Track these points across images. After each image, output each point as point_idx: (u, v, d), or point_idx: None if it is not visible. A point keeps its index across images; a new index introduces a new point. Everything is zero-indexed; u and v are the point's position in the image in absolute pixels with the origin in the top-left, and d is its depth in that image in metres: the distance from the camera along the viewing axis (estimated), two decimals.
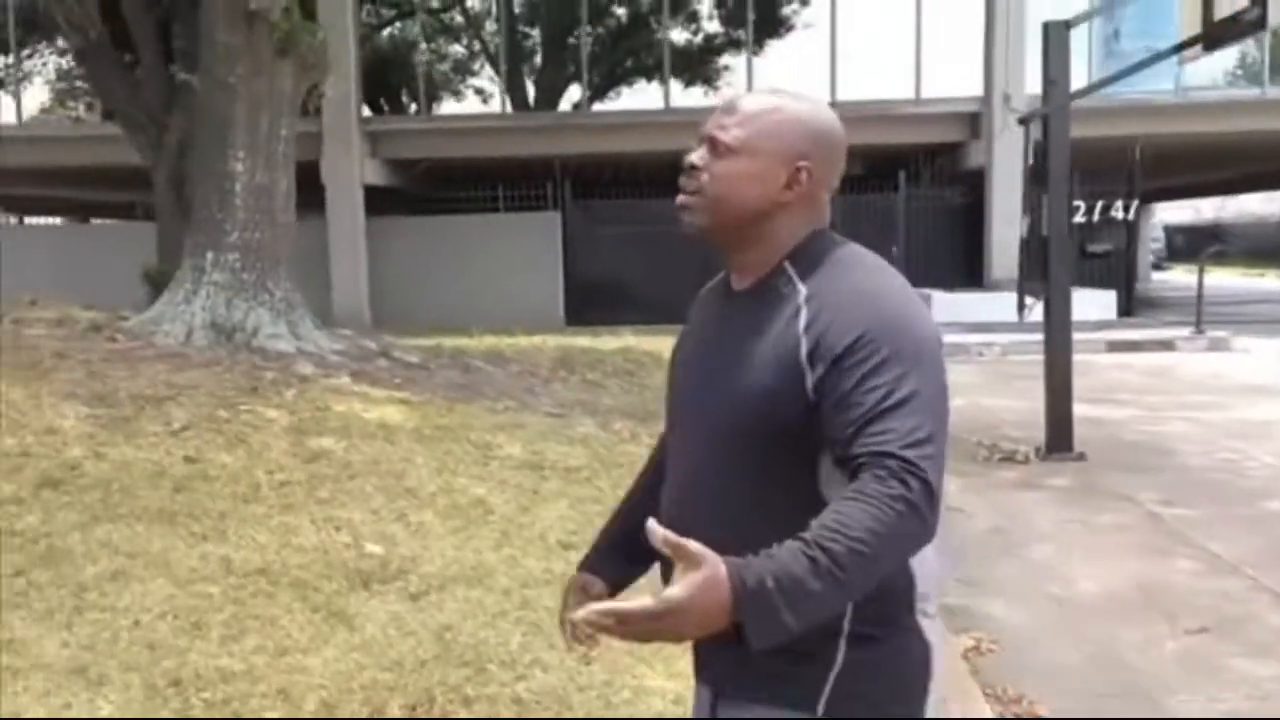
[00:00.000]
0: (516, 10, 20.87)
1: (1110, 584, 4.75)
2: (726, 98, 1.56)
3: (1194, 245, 39.55)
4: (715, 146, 1.48)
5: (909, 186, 16.76)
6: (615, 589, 1.70)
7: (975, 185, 16.23)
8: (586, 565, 1.74)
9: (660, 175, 17.05)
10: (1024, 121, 7.40)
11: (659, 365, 10.16)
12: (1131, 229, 17.53)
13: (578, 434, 6.19)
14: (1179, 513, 5.85)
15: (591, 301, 16.86)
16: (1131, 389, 10.27)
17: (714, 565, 1.19)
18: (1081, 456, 7.23)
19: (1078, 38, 16.17)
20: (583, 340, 12.88)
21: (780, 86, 1.57)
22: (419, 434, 5.64)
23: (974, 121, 16.16)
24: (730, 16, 19.52)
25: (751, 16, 17.74)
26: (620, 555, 1.70)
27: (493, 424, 6.09)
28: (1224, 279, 25.88)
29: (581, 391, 8.17)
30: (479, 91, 22.04)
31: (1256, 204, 44.15)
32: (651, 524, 1.22)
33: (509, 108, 19.45)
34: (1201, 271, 13.80)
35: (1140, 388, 10.43)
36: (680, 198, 1.50)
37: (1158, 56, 7.26)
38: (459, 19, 22.87)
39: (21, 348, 6.69)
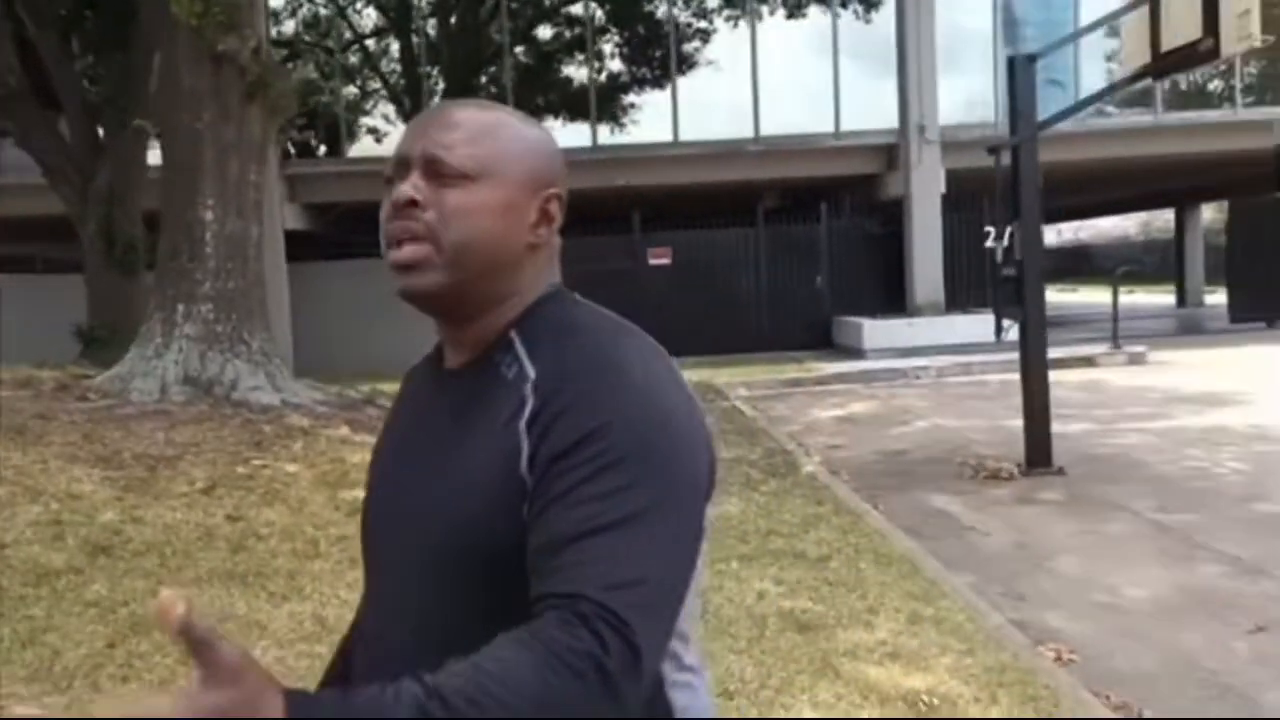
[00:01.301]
0: (418, 51, 20.79)
1: (1153, 590, 4.95)
2: (431, 110, 1.16)
3: (1060, 266, 41.36)
4: (438, 172, 1.07)
5: (830, 218, 17.18)
6: None
7: (894, 214, 16.73)
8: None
9: (592, 212, 17.16)
10: (993, 151, 7.70)
11: None
12: None
13: None
14: (1180, 519, 6.13)
15: None
16: (1074, 404, 10.70)
17: (254, 690, 0.78)
18: (1061, 471, 7.51)
19: (985, 70, 16.80)
20: None
21: (534, 118, 1.17)
22: None
23: (891, 153, 16.69)
24: (634, 56, 19.80)
25: (659, 54, 18.07)
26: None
27: None
28: (1091, 296, 27.10)
29: None
30: (372, 131, 21.83)
31: (1108, 225, 46.80)
32: (168, 600, 0.77)
33: None
34: (1116, 290, 14.48)
35: (1081, 403, 10.87)
36: (401, 253, 1.07)
37: (1115, 86, 7.67)
38: (353, 60, 22.66)
39: None
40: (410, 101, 21.40)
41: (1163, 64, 7.52)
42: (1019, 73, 7.30)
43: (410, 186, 1.07)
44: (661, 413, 1.01)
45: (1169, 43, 7.42)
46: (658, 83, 18.35)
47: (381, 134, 21.92)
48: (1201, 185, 23.36)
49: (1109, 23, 7.75)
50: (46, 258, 17.56)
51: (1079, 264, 44.46)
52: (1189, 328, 19.29)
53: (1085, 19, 16.62)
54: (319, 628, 3.70)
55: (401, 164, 1.10)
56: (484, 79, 21.33)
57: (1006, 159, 7.51)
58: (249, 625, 3.66)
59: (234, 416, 6.77)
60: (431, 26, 21.85)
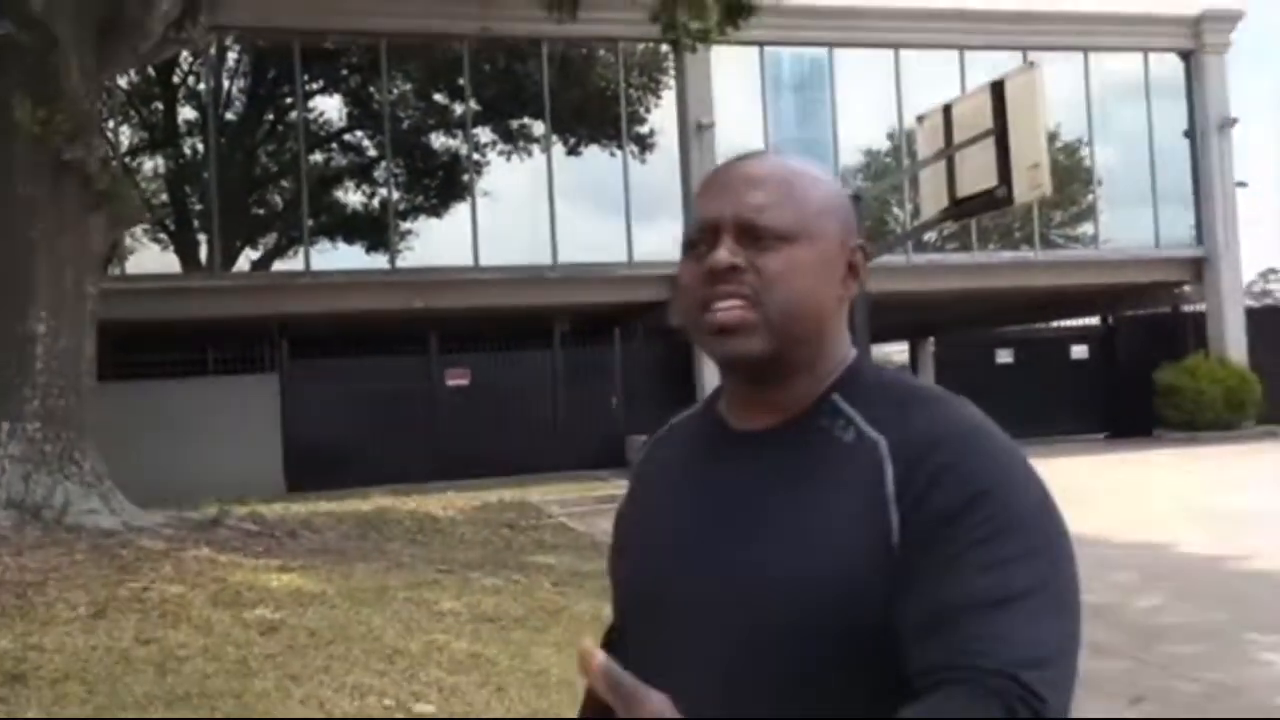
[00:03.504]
0: (183, 170, 20.01)
1: None
2: (728, 168, 1.13)
3: None
4: (753, 235, 1.06)
5: (623, 341, 17.84)
6: None
7: (684, 339, 17.58)
8: None
9: (380, 332, 17.01)
10: None
11: (456, 523, 10.12)
12: None
13: (487, 586, 6.18)
14: None
15: (314, 466, 16.19)
16: None
17: None
18: None
19: None
20: (331, 504, 12.43)
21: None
22: (353, 597, 5.42)
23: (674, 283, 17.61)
24: (424, 183, 19.94)
25: (450, 181, 18.44)
26: None
27: (408, 582, 5.95)
28: None
29: (423, 549, 8.01)
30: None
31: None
32: (588, 648, 0.82)
33: (180, 268, 18.46)
34: None
35: None
36: (725, 315, 1.06)
37: (920, 228, 8.64)
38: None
39: None
40: (175, 222, 20.54)
41: (960, 209, 8.59)
42: None
43: (728, 251, 1.05)
44: (1035, 479, 1.01)
45: (964, 190, 8.50)
46: (416, 211, 18.59)
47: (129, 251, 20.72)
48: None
49: (921, 169, 8.78)
50: None
51: None
52: None
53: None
54: None
55: (709, 228, 1.07)
56: (253, 201, 20.80)
57: None
58: None
59: (77, 541, 6.29)
60: (193, 146, 20.86)
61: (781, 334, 1.05)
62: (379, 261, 17.42)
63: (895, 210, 18.69)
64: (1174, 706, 4.70)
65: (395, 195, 19.06)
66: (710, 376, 17.06)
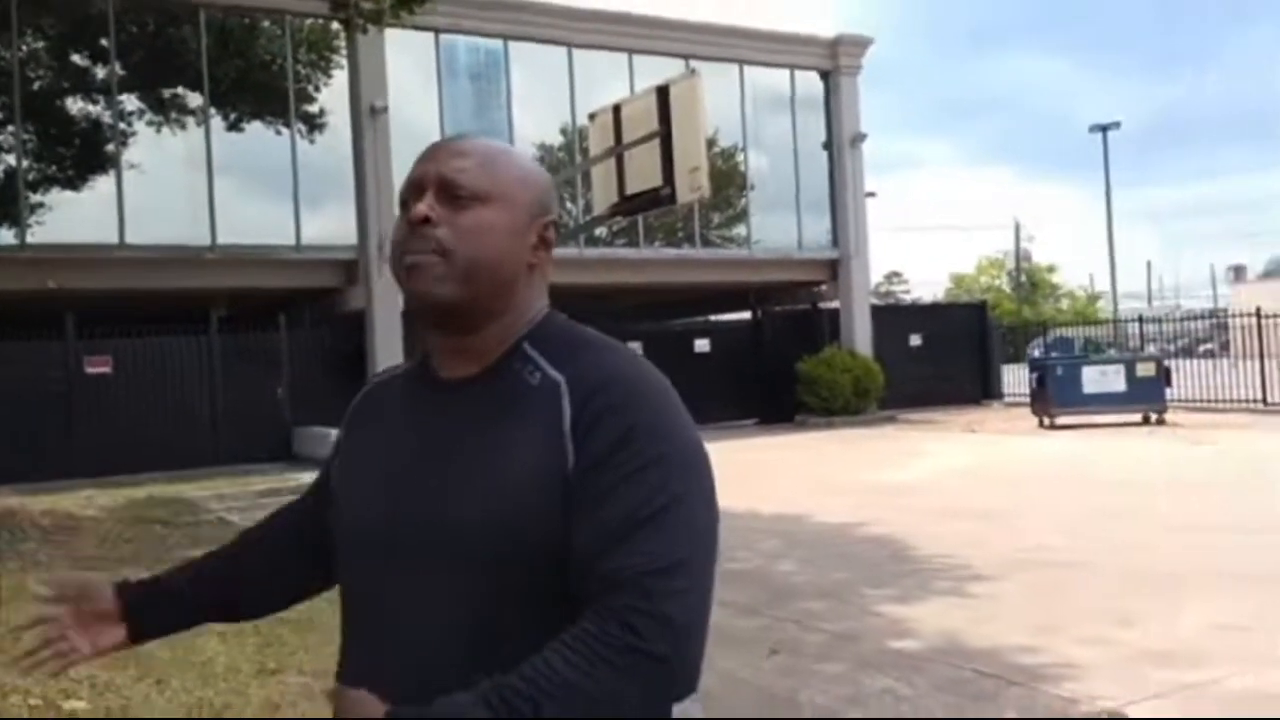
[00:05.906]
0: None
1: None
2: (440, 141, 1.27)
3: None
4: (452, 193, 1.18)
5: (290, 328, 17.15)
6: (135, 637, 1.42)
7: (357, 326, 17.15)
8: (122, 591, 1.43)
9: (8, 315, 15.30)
10: None
11: (101, 521, 9.41)
12: None
13: None
14: None
15: None
16: None
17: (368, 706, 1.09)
18: None
19: None
20: None
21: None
22: None
23: (350, 268, 17.17)
24: (44, 150, 18.05)
25: (93, 152, 16.92)
26: (179, 605, 1.45)
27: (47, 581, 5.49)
28: None
29: (63, 549, 7.38)
30: None
31: None
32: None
33: None
34: None
35: None
36: (414, 259, 1.17)
37: (592, 223, 9.01)
38: None
39: None
40: None
41: (629, 205, 9.06)
42: None
43: (425, 205, 1.17)
44: (684, 420, 1.16)
45: (633, 188, 8.98)
46: (51, 182, 16.95)
47: None
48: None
49: (593, 165, 9.14)
50: None
51: None
52: None
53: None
54: None
55: (416, 187, 1.20)
56: None
57: None
58: None
59: None
60: None
61: (466, 283, 1.17)
62: (6, 237, 15.65)
63: (569, 205, 19.23)
64: (803, 655, 5.27)
65: (25, 163, 17.21)
66: (383, 363, 16.79)
